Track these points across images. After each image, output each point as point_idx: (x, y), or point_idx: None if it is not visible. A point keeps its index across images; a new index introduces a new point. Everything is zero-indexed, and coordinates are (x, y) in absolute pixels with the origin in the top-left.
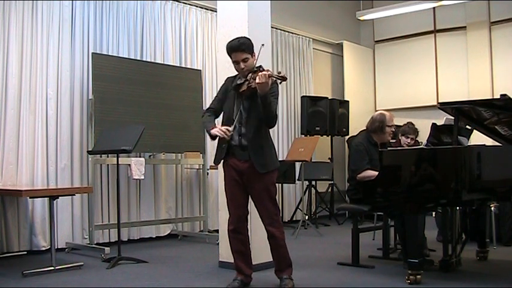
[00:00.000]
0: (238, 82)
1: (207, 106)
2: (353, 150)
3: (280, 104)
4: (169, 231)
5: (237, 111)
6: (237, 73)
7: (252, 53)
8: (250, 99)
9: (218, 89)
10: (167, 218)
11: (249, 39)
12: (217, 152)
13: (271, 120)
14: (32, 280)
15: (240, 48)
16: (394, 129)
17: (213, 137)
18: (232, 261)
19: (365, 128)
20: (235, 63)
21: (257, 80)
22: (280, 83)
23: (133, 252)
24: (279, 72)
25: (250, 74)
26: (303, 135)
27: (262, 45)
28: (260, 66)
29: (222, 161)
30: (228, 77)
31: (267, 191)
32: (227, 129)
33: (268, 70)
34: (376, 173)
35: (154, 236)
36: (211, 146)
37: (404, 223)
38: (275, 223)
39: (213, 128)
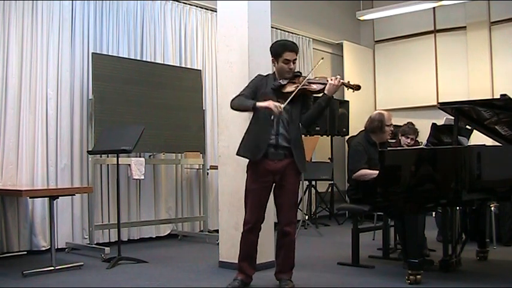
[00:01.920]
0: (282, 83)
1: (238, 93)
2: (352, 150)
3: None
4: (169, 231)
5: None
6: (267, 73)
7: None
8: (291, 101)
9: (249, 82)
10: (167, 218)
11: None
12: (254, 146)
13: (315, 122)
14: (32, 280)
15: (295, 49)
16: (392, 129)
17: (255, 108)
18: (232, 261)
19: (364, 128)
20: (286, 62)
21: (332, 82)
22: (353, 91)
23: (133, 252)
24: (349, 82)
25: (301, 78)
26: (303, 135)
27: (322, 58)
28: (300, 71)
29: (249, 160)
30: (258, 74)
31: (296, 192)
32: (280, 105)
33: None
34: (372, 171)
35: (154, 236)
36: (211, 146)
37: (404, 223)
38: (292, 224)
39: (255, 103)
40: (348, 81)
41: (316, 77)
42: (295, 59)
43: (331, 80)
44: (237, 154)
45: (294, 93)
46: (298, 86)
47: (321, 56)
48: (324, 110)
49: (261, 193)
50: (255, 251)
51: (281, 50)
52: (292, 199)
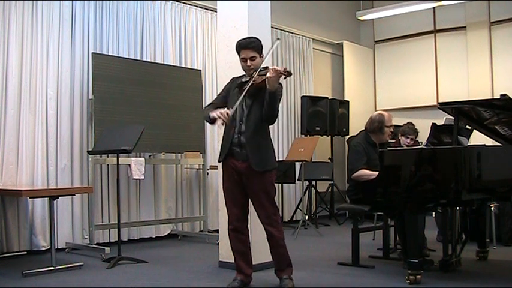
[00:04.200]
0: (243, 80)
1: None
2: (351, 151)
3: (280, 104)
4: (169, 231)
5: (240, 109)
6: (242, 73)
7: (260, 53)
8: (252, 97)
9: (222, 88)
10: (167, 218)
11: (259, 40)
12: (221, 150)
13: (273, 117)
14: (32, 280)
15: (249, 45)
16: (392, 130)
17: (212, 121)
18: (232, 261)
19: (364, 128)
20: (243, 60)
21: (268, 74)
22: (285, 78)
23: (133, 252)
24: (285, 68)
25: (255, 73)
26: (303, 135)
27: (278, 39)
28: (267, 67)
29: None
30: (233, 77)
31: (265, 191)
32: (226, 112)
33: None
34: (371, 172)
35: (154, 236)
36: (211, 146)
37: (405, 223)
38: (274, 223)
39: (209, 115)
40: (284, 68)
41: (264, 67)
42: (254, 56)
43: (269, 72)
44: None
45: (244, 92)
46: (253, 81)
47: (321, 56)
48: (272, 104)
49: (234, 192)
50: (248, 249)
51: (238, 49)
52: (261, 198)
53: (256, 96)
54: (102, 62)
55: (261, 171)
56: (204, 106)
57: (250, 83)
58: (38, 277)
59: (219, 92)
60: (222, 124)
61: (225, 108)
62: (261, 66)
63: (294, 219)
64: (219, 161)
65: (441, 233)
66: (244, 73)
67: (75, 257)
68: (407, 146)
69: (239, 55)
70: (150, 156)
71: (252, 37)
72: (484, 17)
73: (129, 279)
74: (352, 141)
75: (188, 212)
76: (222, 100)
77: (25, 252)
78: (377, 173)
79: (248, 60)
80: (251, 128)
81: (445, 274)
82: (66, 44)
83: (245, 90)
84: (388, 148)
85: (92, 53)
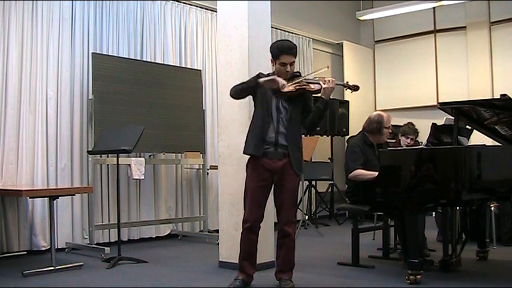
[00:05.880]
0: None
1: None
2: (348, 151)
3: None
4: (169, 231)
5: (275, 109)
6: (268, 72)
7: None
8: (289, 100)
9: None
10: (167, 218)
11: (295, 44)
12: (254, 142)
13: (318, 125)
14: (32, 280)
15: (292, 51)
16: (391, 131)
17: (256, 86)
18: (232, 261)
19: (362, 128)
20: (283, 64)
21: (326, 85)
22: (352, 92)
23: (133, 252)
24: (347, 82)
25: (299, 77)
26: (303, 135)
27: (328, 67)
28: (299, 71)
29: (249, 158)
30: (260, 72)
31: (295, 192)
32: (281, 80)
33: (327, 77)
34: (367, 172)
35: (154, 236)
36: (211, 146)
37: (405, 223)
38: (292, 224)
39: (258, 80)
40: (347, 82)
41: (315, 77)
42: (293, 62)
43: (324, 83)
44: (244, 153)
45: (293, 91)
46: (296, 86)
47: (321, 56)
48: (323, 113)
49: (260, 192)
50: (255, 250)
51: (278, 52)
52: (291, 199)
53: (294, 100)
54: (102, 62)
55: (299, 173)
56: (204, 106)
57: (289, 89)
58: (38, 277)
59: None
60: (278, 86)
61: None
62: (294, 72)
63: None
64: (257, 154)
65: (441, 233)
66: (269, 72)
67: (75, 257)
68: (407, 146)
69: (278, 58)
70: (150, 156)
71: (290, 41)
72: (484, 17)
73: (129, 279)
74: (349, 141)
75: (188, 212)
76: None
77: (25, 252)
78: (373, 172)
79: (288, 66)
80: (292, 130)
81: (445, 274)
82: (66, 44)
83: (298, 83)
84: (388, 148)
85: (92, 53)
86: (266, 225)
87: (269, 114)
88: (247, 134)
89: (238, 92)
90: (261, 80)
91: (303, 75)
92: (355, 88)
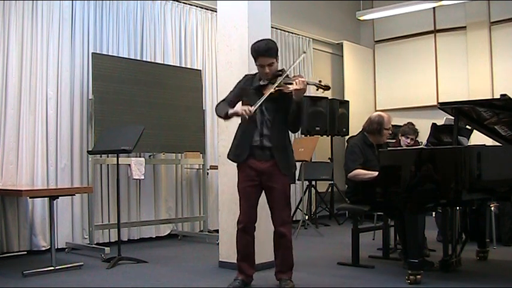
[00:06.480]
0: (262, 83)
1: (221, 99)
2: (347, 151)
3: None
4: (169, 231)
5: (259, 111)
6: (256, 72)
7: (276, 57)
8: (272, 100)
9: (235, 85)
10: (167, 218)
11: (275, 42)
12: (238, 149)
13: (299, 125)
14: (32, 280)
15: (267, 53)
16: (391, 132)
17: (229, 117)
18: (232, 261)
19: (362, 129)
20: (260, 67)
21: (296, 86)
22: (323, 92)
23: (133, 252)
24: (320, 81)
25: (279, 78)
26: (303, 135)
27: (304, 52)
28: (283, 69)
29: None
30: (246, 75)
31: (285, 193)
32: (249, 109)
33: (301, 76)
34: (367, 172)
35: (154, 236)
36: (211, 146)
37: (405, 223)
38: (287, 224)
39: (227, 112)
40: (319, 81)
41: (294, 76)
42: (272, 63)
43: (295, 83)
44: (227, 157)
45: (265, 96)
46: (275, 87)
47: (321, 56)
48: (299, 113)
49: (251, 192)
50: (253, 250)
51: (255, 54)
52: (282, 199)
53: (277, 100)
54: (102, 62)
55: (286, 173)
56: (204, 106)
57: (270, 90)
58: (38, 277)
59: (232, 88)
60: (243, 121)
61: (247, 106)
62: (277, 70)
63: (294, 219)
64: (236, 161)
65: (441, 233)
66: (256, 72)
67: (75, 257)
68: (407, 146)
69: (255, 60)
70: (150, 156)
71: (269, 41)
72: (484, 17)
73: (129, 279)
74: (349, 141)
75: (188, 212)
76: (236, 98)
77: (25, 252)
78: (372, 172)
79: (266, 67)
80: (275, 132)
81: (445, 274)
82: (66, 44)
83: (265, 96)
84: (388, 148)
85: (92, 53)
86: (265, 225)
87: (254, 117)
88: (233, 138)
89: (219, 117)
90: (229, 112)
91: (301, 73)
92: (326, 88)
